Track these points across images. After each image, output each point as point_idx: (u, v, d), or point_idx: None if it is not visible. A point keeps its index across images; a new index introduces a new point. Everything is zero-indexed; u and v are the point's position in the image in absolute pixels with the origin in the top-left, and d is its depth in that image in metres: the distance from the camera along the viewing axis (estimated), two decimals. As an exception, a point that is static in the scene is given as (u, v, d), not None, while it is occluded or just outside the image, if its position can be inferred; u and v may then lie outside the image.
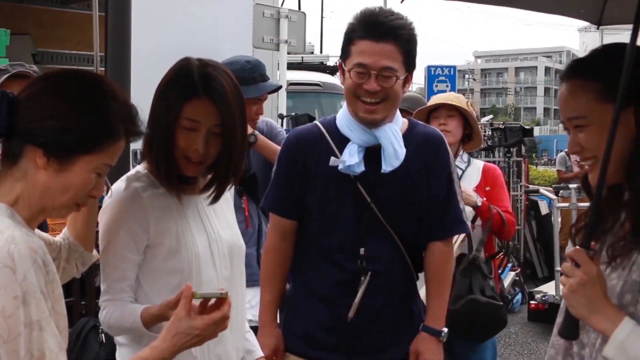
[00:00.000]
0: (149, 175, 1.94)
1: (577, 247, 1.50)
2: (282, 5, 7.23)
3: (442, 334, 2.41)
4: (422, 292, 2.42)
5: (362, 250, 2.32)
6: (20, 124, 1.42)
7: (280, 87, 4.71)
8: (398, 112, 2.39)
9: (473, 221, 3.32)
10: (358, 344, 2.39)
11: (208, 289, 1.74)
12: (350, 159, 2.30)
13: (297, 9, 8.66)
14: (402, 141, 2.32)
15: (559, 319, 1.61)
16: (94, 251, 1.87)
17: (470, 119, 3.48)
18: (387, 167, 2.27)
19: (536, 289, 6.93)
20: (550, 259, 7.35)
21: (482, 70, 75.66)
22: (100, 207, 1.97)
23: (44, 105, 1.45)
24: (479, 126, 3.94)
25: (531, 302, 6.69)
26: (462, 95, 3.84)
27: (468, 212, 2.99)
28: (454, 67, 12.03)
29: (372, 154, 2.30)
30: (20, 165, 1.45)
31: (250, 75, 3.54)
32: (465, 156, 3.56)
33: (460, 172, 3.41)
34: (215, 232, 2.01)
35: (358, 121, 2.31)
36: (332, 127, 2.41)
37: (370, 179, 2.32)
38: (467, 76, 62.83)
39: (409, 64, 2.29)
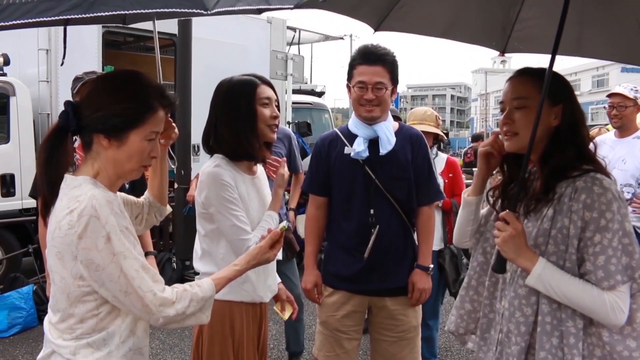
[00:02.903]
0: (228, 161, 2.15)
1: (507, 210, 1.58)
2: (288, 51, 8.28)
3: (430, 269, 2.56)
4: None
5: (371, 211, 2.47)
6: (84, 120, 1.48)
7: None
8: (390, 116, 2.55)
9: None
10: (370, 276, 2.51)
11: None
12: (358, 147, 2.44)
13: (297, 53, 9.43)
14: (393, 133, 2.48)
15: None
16: (167, 205, 1.93)
17: (440, 135, 3.89)
18: (383, 150, 2.43)
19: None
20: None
21: (412, 96, 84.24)
22: (172, 182, 2.12)
23: (94, 102, 1.50)
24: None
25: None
26: (434, 112, 3.98)
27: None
28: (397, 93, 14.88)
29: (373, 144, 2.46)
30: (93, 149, 1.51)
31: None
32: (435, 150, 3.85)
33: None
34: (263, 196, 2.28)
35: (362, 121, 2.48)
36: (344, 130, 2.59)
37: (373, 161, 2.46)
38: (402, 100, 69.00)
39: (394, 80, 2.45)
